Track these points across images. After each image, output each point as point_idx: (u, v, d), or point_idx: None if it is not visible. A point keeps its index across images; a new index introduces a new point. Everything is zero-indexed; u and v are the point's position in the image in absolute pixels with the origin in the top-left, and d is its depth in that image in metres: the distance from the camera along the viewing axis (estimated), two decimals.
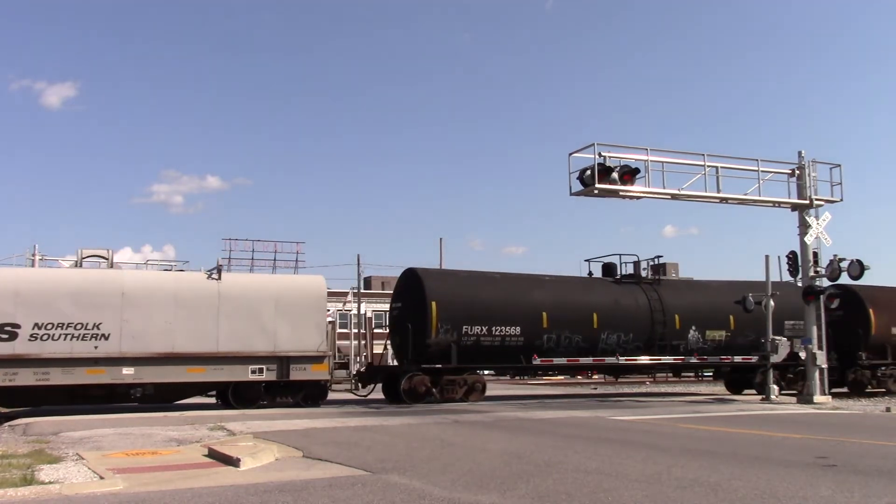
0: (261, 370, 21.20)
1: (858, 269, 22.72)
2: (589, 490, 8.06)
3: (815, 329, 23.37)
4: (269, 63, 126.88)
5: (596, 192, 21.43)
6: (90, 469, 9.67)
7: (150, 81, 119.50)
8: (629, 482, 8.50)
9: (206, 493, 8.14)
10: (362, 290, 47.59)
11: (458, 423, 16.30)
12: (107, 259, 22.53)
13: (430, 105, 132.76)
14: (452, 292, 24.07)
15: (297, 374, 21.53)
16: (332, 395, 23.65)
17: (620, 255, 28.21)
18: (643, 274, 28.38)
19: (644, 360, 26.51)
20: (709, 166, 22.61)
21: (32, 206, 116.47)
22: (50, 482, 8.72)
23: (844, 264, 22.89)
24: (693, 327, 26.98)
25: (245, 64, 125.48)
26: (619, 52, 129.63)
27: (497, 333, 24.03)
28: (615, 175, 21.07)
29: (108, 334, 19.92)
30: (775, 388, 24.24)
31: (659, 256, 29.00)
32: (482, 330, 23.81)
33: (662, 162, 22.42)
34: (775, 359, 24.17)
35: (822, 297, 23.42)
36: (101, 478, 9.01)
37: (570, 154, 21.46)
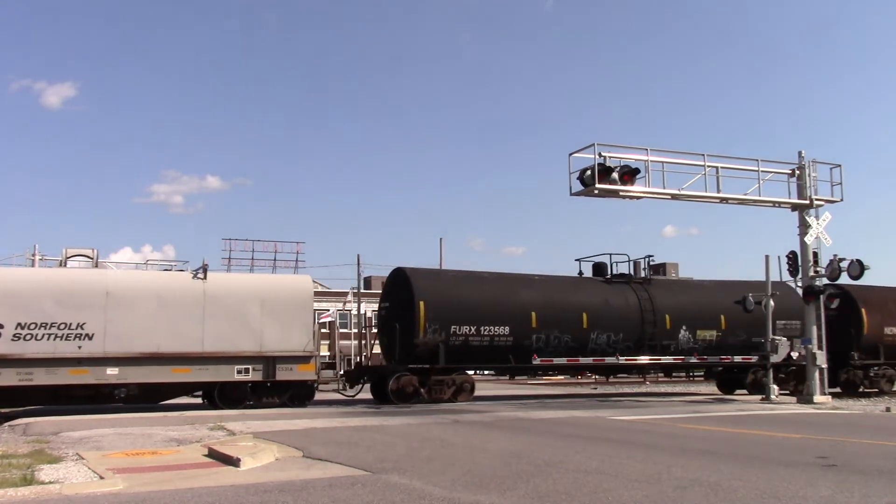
0: (247, 370, 21.08)
1: (858, 269, 22.72)
2: (589, 490, 8.06)
3: (814, 329, 23.36)
4: (270, 63, 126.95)
5: (596, 192, 21.43)
6: (90, 469, 9.67)
7: (150, 81, 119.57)
8: (629, 482, 8.50)
9: (206, 493, 8.13)
10: (362, 290, 47.61)
11: (458, 423, 16.30)
12: (91, 259, 22.33)
13: (430, 105, 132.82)
14: (441, 292, 23.96)
15: (284, 374, 21.40)
16: (319, 396, 23.48)
17: (611, 254, 28.15)
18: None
19: (644, 359, 26.48)
20: (709, 166, 22.61)
21: (32, 206, 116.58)
22: (50, 482, 8.71)
23: (844, 264, 22.89)
24: (684, 327, 26.87)
25: (245, 64, 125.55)
26: (619, 52, 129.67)
27: (486, 333, 23.91)
28: (615, 175, 21.07)
29: (92, 334, 19.79)
30: (775, 387, 24.22)
31: (650, 256, 28.85)
32: (470, 330, 23.69)
33: (662, 162, 22.44)
34: (775, 359, 24.15)
35: (821, 297, 23.43)
36: (101, 478, 9.01)
37: (571, 154, 21.49)
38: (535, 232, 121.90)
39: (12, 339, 19.18)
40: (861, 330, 28.04)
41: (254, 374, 21.17)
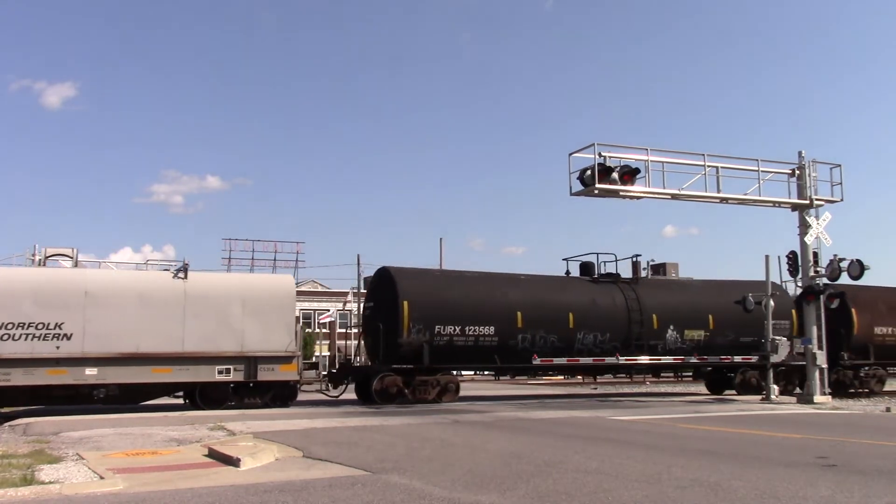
0: (228, 370, 20.90)
1: (858, 268, 22.71)
2: (589, 490, 8.05)
3: (814, 329, 23.36)
4: (270, 63, 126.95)
5: (596, 192, 21.42)
6: (90, 469, 9.67)
7: (150, 81, 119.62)
8: (629, 482, 8.49)
9: (207, 493, 8.13)
10: (362, 290, 47.54)
11: (458, 423, 16.30)
12: (71, 258, 22.17)
13: (430, 106, 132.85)
14: (425, 292, 23.81)
15: (265, 374, 21.24)
16: (303, 396, 23.31)
17: (598, 253, 27.94)
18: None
19: (644, 359, 26.46)
20: (709, 166, 22.61)
21: (32, 206, 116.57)
22: (50, 482, 8.71)
23: (844, 264, 22.89)
24: (671, 327, 26.72)
25: (245, 64, 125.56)
26: (619, 52, 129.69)
27: (470, 333, 23.76)
28: (615, 175, 21.07)
29: (71, 334, 19.59)
30: (775, 388, 24.20)
31: (637, 255, 28.50)
32: (455, 330, 23.54)
33: (662, 162, 22.46)
34: (775, 359, 24.13)
35: (821, 297, 23.43)
36: (102, 478, 9.00)
37: (571, 154, 21.49)
38: (535, 232, 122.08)
39: None
40: (851, 330, 27.81)
41: (235, 375, 20.98)
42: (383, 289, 24.23)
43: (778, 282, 27.13)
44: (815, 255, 23.51)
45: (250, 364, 21.13)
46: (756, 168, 23.29)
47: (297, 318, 22.95)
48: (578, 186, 21.47)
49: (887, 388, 31.44)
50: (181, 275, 21.27)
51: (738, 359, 27.34)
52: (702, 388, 34.19)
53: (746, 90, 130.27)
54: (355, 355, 27.22)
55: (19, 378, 19.12)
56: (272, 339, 21.37)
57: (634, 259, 28.27)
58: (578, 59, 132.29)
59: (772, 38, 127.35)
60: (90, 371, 19.73)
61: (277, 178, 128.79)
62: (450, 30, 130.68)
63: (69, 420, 17.17)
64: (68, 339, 19.58)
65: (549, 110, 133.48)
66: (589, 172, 21.01)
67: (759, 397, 24.95)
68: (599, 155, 20.98)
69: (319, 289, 71.35)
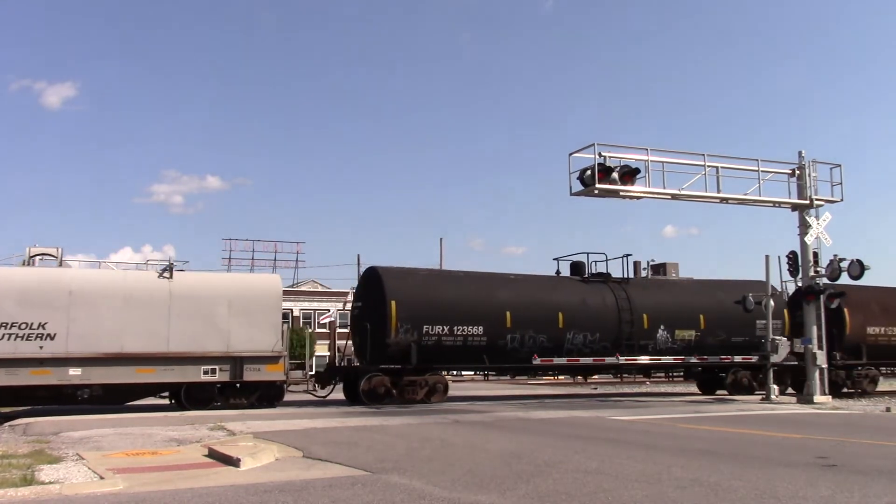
0: (213, 371, 20.78)
1: (858, 269, 22.71)
2: (589, 490, 8.05)
3: (814, 329, 23.36)
4: (270, 63, 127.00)
5: (596, 192, 21.41)
6: (90, 469, 9.67)
7: (151, 81, 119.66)
8: (629, 482, 8.49)
9: (207, 493, 8.13)
10: None
11: (458, 423, 16.30)
12: (56, 257, 22.04)
13: (430, 105, 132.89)
14: (413, 291, 23.71)
15: (252, 374, 21.12)
16: (291, 397, 23.16)
17: (588, 253, 27.78)
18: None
19: (644, 360, 26.46)
20: (709, 166, 22.61)
21: (32, 206, 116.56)
22: (50, 482, 8.72)
23: (844, 264, 22.89)
24: (662, 327, 26.59)
25: (245, 64, 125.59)
26: (619, 52, 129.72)
27: (459, 333, 23.62)
28: (615, 175, 21.06)
29: (54, 334, 19.47)
30: (776, 388, 24.19)
31: (628, 255, 28.34)
32: (443, 330, 23.40)
33: (662, 162, 22.44)
34: (775, 359, 24.11)
35: (822, 296, 23.44)
36: (102, 478, 9.01)
37: (571, 154, 21.48)
38: (535, 232, 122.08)
39: None
40: (843, 330, 27.57)
41: (221, 375, 20.86)
42: (371, 288, 24.12)
43: (778, 282, 27.10)
44: (815, 255, 23.51)
45: (236, 364, 21.01)
46: (756, 168, 23.29)
47: (287, 318, 22.83)
48: (578, 186, 21.47)
49: (884, 388, 31.45)
50: (166, 274, 21.14)
51: (738, 358, 27.30)
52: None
53: (746, 90, 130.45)
54: (338, 356, 27.02)
55: (2, 378, 19.00)
56: (258, 339, 21.23)
57: (631, 259, 28.16)
58: (578, 59, 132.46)
59: (772, 38, 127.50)
60: (74, 371, 19.60)
61: (277, 178, 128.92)
62: (450, 30, 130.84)
63: (69, 420, 17.17)
64: (52, 339, 19.46)
65: (549, 110, 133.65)
66: (589, 172, 21.00)
67: (759, 397, 24.94)
68: (599, 155, 20.97)
69: (319, 289, 71.36)
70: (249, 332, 21.19)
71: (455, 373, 25.00)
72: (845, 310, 27.47)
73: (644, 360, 26.44)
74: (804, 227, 23.50)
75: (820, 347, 23.27)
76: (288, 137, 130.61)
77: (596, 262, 27.60)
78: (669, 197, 22.82)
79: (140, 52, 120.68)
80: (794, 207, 23.84)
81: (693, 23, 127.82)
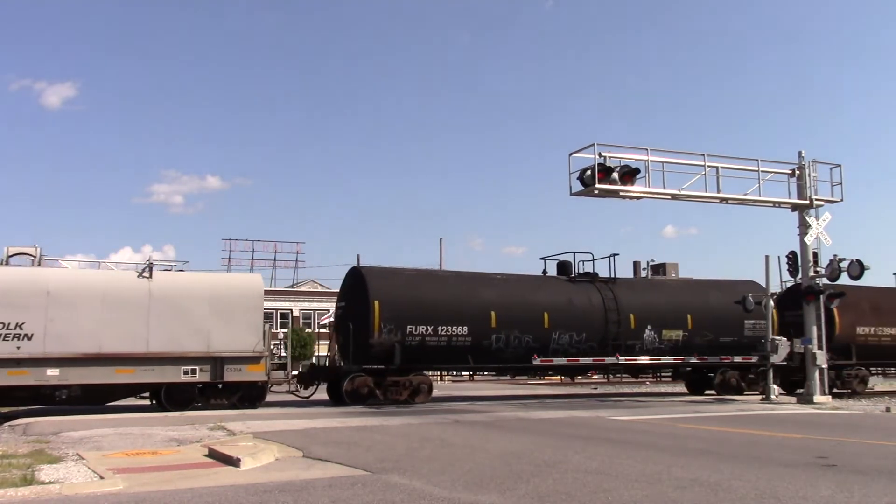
0: (193, 371, 20.57)
1: (858, 269, 22.73)
2: (589, 490, 8.06)
3: (814, 329, 23.36)
4: (270, 63, 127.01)
5: (596, 192, 21.42)
6: (90, 469, 9.67)
7: (150, 81, 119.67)
8: (629, 482, 8.50)
9: (207, 493, 8.14)
10: None
11: (459, 423, 16.31)
12: (34, 257, 21.84)
13: (430, 105, 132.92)
14: (397, 291, 23.57)
15: (232, 374, 20.93)
16: (273, 397, 23.02)
17: (575, 252, 27.54)
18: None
19: (644, 360, 26.46)
20: (709, 166, 22.61)
21: (32, 206, 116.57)
22: (50, 482, 8.72)
23: (844, 264, 22.91)
24: (649, 327, 26.41)
25: (245, 64, 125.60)
26: (618, 52, 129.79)
27: (443, 333, 23.47)
28: (615, 175, 21.07)
29: (32, 334, 19.27)
30: (775, 388, 24.18)
31: (615, 254, 27.96)
32: (427, 330, 23.26)
33: (662, 162, 22.43)
34: (775, 359, 24.10)
35: (822, 296, 23.45)
36: (102, 478, 9.01)
37: (571, 154, 21.48)
38: (535, 232, 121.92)
39: None
40: (833, 330, 27.11)
41: (201, 375, 20.66)
42: (355, 288, 23.95)
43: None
44: (815, 255, 23.51)
45: (217, 364, 20.82)
46: (756, 168, 23.29)
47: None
48: (578, 186, 21.47)
49: (884, 388, 31.44)
50: (146, 274, 20.97)
51: (738, 358, 27.25)
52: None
53: (746, 90, 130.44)
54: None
55: None
56: (239, 339, 21.04)
57: (618, 259, 28.06)
58: (578, 59, 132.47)
59: (772, 38, 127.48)
60: (52, 372, 19.39)
61: (277, 178, 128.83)
62: (449, 29, 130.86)
63: (69, 420, 17.16)
64: (29, 339, 19.26)
65: (548, 110, 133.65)
66: (589, 172, 21.00)
67: (759, 397, 24.94)
68: (599, 155, 20.97)
69: (319, 289, 71.34)
70: (230, 332, 21.00)
71: (428, 373, 24.69)
72: (835, 310, 27.09)
73: (644, 360, 26.42)
74: (804, 227, 23.51)
75: (820, 347, 23.29)
76: (288, 137, 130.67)
77: (583, 261, 27.44)
78: (669, 197, 22.82)
79: (140, 52, 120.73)
80: (794, 207, 23.84)
81: (693, 23, 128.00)
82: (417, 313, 23.29)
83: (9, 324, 19.18)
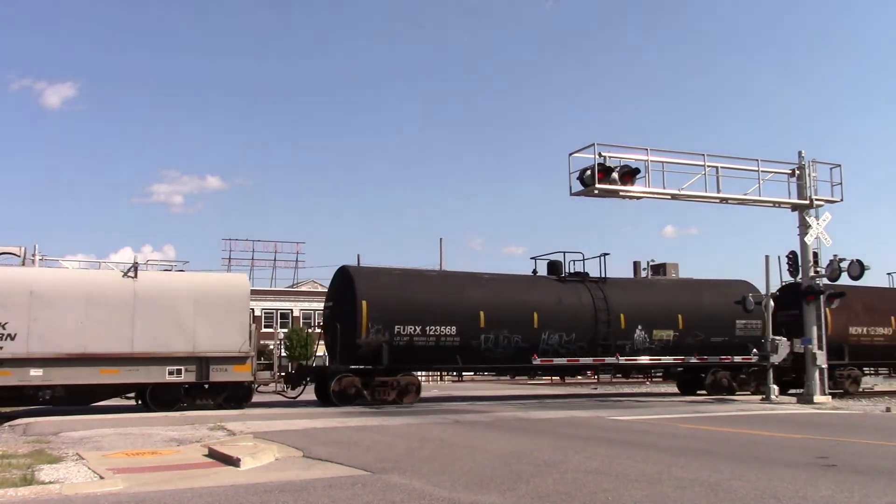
0: (178, 371, 20.46)
1: (858, 269, 22.72)
2: (589, 490, 8.05)
3: (814, 329, 23.36)
4: (269, 63, 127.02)
5: (596, 192, 21.40)
6: (90, 469, 9.67)
7: (151, 81, 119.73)
8: (629, 482, 8.50)
9: (207, 493, 8.14)
10: None
11: (458, 424, 16.30)
12: (18, 256, 21.79)
13: (430, 105, 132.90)
14: (384, 291, 23.45)
15: (218, 375, 20.82)
16: (259, 398, 22.95)
17: (565, 252, 27.43)
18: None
19: (644, 360, 26.45)
20: (709, 166, 22.59)
21: (32, 205, 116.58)
22: (50, 482, 8.71)
23: (844, 264, 22.90)
24: (639, 327, 26.30)
25: (245, 64, 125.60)
26: (618, 51, 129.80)
27: (431, 333, 23.33)
28: (615, 175, 21.05)
29: (15, 334, 19.13)
30: (775, 388, 24.17)
31: (606, 254, 27.84)
32: (415, 330, 23.13)
33: (662, 162, 22.41)
34: (775, 359, 24.09)
35: (822, 296, 23.45)
36: (102, 478, 9.01)
37: (571, 154, 21.46)
38: (535, 232, 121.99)
39: None
40: (826, 330, 27.51)
41: (186, 375, 20.56)
42: (343, 288, 23.83)
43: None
44: (815, 255, 23.50)
45: (202, 364, 20.71)
46: (756, 168, 23.27)
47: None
48: (578, 186, 21.45)
49: (884, 388, 31.40)
50: (131, 274, 20.85)
51: (738, 359, 27.23)
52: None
53: (746, 90, 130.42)
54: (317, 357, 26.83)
55: None
56: (225, 340, 20.92)
57: (603, 259, 27.68)
58: (578, 59, 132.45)
59: (772, 38, 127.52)
60: (35, 372, 19.26)
61: (277, 178, 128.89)
62: (449, 30, 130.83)
63: (69, 420, 17.16)
64: (12, 339, 19.13)
65: (549, 110, 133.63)
66: (589, 172, 20.99)
67: (759, 397, 24.93)
68: (599, 155, 20.95)
69: (319, 289, 71.32)
70: (215, 332, 20.87)
71: (415, 373, 24.57)
72: (827, 310, 27.05)
73: (644, 360, 26.41)
74: (804, 227, 23.50)
75: (820, 347, 23.28)
76: (288, 137, 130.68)
77: (573, 261, 27.33)
78: (669, 197, 22.81)
79: (140, 52, 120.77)
80: (794, 207, 23.83)
81: (693, 23, 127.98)
82: (405, 313, 23.16)
83: None
